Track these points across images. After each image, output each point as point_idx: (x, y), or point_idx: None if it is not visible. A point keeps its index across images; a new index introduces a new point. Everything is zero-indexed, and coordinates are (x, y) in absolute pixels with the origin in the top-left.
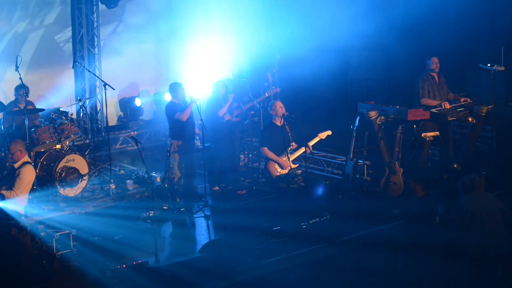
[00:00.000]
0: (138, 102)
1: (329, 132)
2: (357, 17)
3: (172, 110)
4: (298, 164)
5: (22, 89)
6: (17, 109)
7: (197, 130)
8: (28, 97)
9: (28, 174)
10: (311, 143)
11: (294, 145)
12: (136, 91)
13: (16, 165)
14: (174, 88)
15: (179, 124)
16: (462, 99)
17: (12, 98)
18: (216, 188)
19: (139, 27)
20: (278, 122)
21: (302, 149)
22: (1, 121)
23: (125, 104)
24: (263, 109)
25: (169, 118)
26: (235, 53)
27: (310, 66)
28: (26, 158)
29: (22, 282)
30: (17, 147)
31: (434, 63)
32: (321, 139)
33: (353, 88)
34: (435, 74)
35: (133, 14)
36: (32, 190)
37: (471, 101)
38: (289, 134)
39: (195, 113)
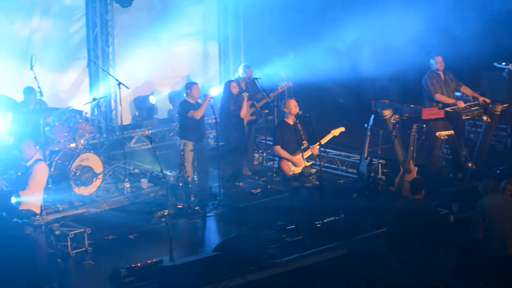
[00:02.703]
0: (152, 100)
1: (342, 129)
2: (369, 15)
3: (186, 109)
4: (312, 162)
5: (31, 90)
6: (27, 108)
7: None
8: (43, 95)
9: (41, 172)
10: (324, 141)
11: (305, 143)
12: (151, 89)
13: (28, 164)
14: (190, 87)
15: (191, 122)
16: (481, 99)
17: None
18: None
19: (154, 25)
20: (291, 120)
21: (316, 146)
22: (16, 120)
23: (140, 103)
24: (277, 107)
25: (181, 116)
26: (249, 52)
27: (324, 65)
28: (37, 156)
29: (37, 280)
30: (27, 144)
31: (438, 62)
32: (334, 136)
33: (367, 86)
34: (440, 72)
35: (147, 13)
36: (47, 188)
37: (490, 101)
38: (302, 132)
39: (208, 111)
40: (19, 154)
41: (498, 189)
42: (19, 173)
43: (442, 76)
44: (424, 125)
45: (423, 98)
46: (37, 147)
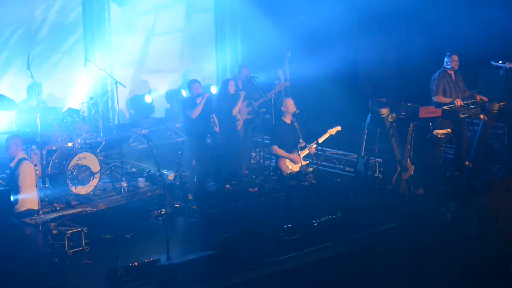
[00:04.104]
0: (148, 99)
1: (338, 128)
2: (368, 15)
3: (185, 106)
4: (309, 161)
5: (34, 88)
6: (29, 107)
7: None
8: (41, 95)
9: (27, 170)
10: (321, 140)
11: (302, 142)
12: (147, 88)
13: (12, 164)
14: (189, 85)
15: (191, 120)
16: (478, 97)
17: (24, 96)
18: (228, 186)
19: (151, 25)
20: (288, 119)
21: (313, 145)
22: (14, 119)
23: (137, 101)
24: (274, 106)
25: (182, 113)
26: (245, 51)
27: (321, 64)
28: (21, 155)
29: (34, 279)
30: (14, 141)
31: (454, 61)
32: (331, 135)
33: (364, 85)
34: (452, 72)
35: (145, 12)
36: (44, 188)
37: (487, 99)
38: (299, 131)
39: (208, 110)
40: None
41: (495, 186)
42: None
43: (453, 76)
44: (431, 124)
45: (430, 94)
46: (34, 147)
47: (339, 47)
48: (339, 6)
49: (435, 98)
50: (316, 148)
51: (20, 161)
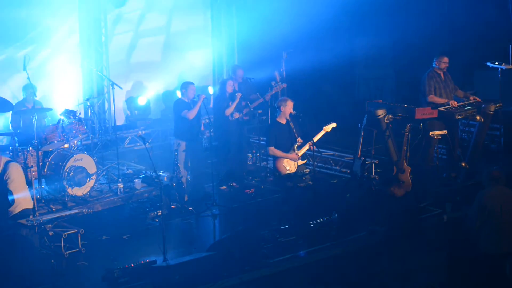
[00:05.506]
0: (142, 100)
1: (334, 124)
2: (363, 16)
3: (179, 108)
4: (305, 161)
5: (30, 89)
6: (25, 108)
7: (202, 128)
8: (36, 96)
9: (16, 171)
10: (317, 137)
11: (300, 140)
12: (143, 90)
13: None
14: (184, 86)
15: (185, 122)
16: (471, 98)
17: (20, 97)
18: (224, 187)
19: (147, 25)
20: (283, 119)
21: (309, 144)
22: (10, 121)
23: (133, 103)
24: (271, 108)
25: (175, 115)
26: (242, 52)
27: (318, 65)
28: (4, 159)
29: (30, 281)
30: None
31: (444, 62)
32: (326, 132)
33: (361, 86)
34: (441, 72)
35: (142, 13)
36: (40, 189)
37: (480, 100)
38: (294, 130)
39: (202, 111)
40: None
41: (501, 181)
42: None
43: (443, 76)
44: (421, 124)
45: (419, 95)
46: (30, 148)
47: (335, 47)
48: (336, 5)
49: (429, 98)
50: (312, 147)
51: (6, 164)
